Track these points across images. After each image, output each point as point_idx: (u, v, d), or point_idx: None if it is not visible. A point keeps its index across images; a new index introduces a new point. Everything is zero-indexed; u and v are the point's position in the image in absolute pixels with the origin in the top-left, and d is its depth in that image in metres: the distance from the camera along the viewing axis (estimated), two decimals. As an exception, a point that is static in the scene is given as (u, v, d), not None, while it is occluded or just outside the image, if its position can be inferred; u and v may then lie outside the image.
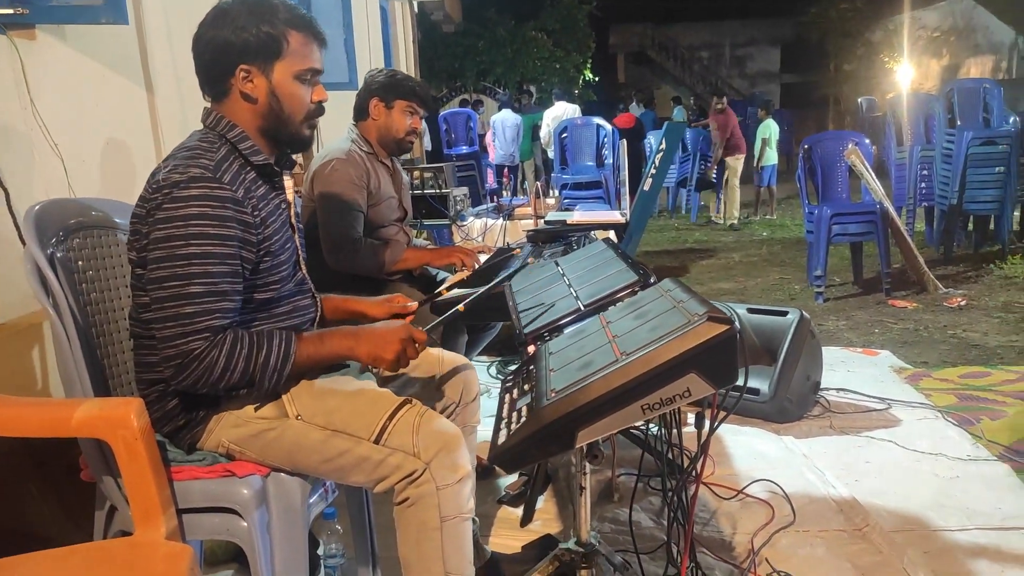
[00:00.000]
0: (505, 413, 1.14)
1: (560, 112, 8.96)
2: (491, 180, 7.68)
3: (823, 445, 2.63)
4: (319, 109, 1.46)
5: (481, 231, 3.83)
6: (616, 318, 1.25)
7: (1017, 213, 6.18)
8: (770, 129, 8.72)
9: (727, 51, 26.57)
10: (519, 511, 2.22)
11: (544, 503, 2.31)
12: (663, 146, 3.54)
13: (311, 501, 1.43)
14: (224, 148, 1.36)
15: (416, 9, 9.92)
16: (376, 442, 1.32)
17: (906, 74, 15.37)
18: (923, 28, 18.65)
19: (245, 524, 1.33)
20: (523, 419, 1.05)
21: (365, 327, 1.40)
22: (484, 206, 4.40)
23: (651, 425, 2.12)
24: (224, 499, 1.33)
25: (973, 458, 2.46)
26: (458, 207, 3.79)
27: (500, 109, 10.24)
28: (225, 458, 1.38)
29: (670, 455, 1.78)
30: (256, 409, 1.36)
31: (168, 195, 1.26)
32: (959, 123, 5.76)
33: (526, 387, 1.18)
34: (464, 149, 9.44)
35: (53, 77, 2.36)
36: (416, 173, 3.80)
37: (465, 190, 3.99)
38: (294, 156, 1.58)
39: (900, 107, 6.86)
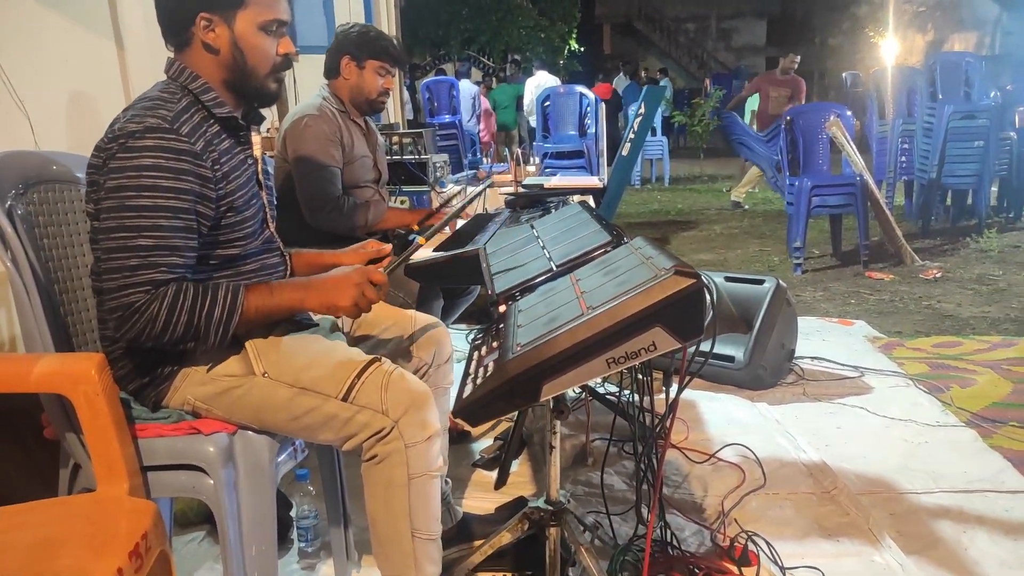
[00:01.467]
0: (472, 369, 1.13)
1: (542, 81, 8.94)
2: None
3: (796, 411, 2.66)
4: (285, 62, 1.42)
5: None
6: (586, 276, 1.24)
7: (995, 188, 6.23)
8: (756, 103, 8.69)
9: (713, 24, 26.34)
10: (494, 475, 2.23)
11: (519, 467, 2.32)
12: (642, 110, 3.51)
13: (279, 460, 1.42)
14: (186, 99, 1.32)
15: (400, -29, 9.73)
16: (344, 400, 1.30)
17: (891, 48, 15.36)
18: (908, 3, 18.60)
19: (211, 482, 1.31)
20: (489, 373, 1.04)
21: (318, 276, 1.37)
22: (464, 173, 4.36)
23: (624, 391, 2.13)
24: (190, 456, 1.32)
25: (942, 424, 2.50)
26: (437, 173, 3.75)
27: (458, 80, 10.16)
28: (191, 416, 1.36)
29: (643, 420, 1.79)
30: (221, 365, 1.34)
31: (123, 145, 1.22)
32: (940, 97, 5.77)
33: (494, 344, 1.17)
34: (447, 118, 9.33)
35: (17, 31, 2.29)
36: (395, 139, 3.75)
37: (445, 157, 3.95)
38: (263, 111, 1.54)
39: (883, 81, 6.87)
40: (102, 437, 1.22)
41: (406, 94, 9.55)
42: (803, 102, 7.21)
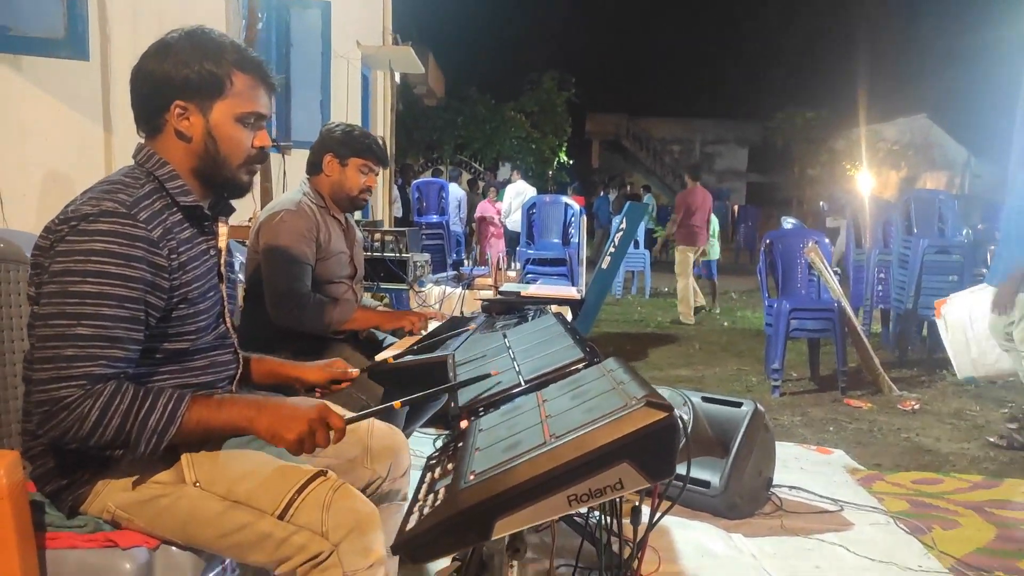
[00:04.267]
0: (422, 494, 1.02)
1: (521, 188, 9.28)
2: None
3: (773, 546, 2.52)
4: (260, 155, 1.38)
5: (439, 298, 3.75)
6: (553, 396, 1.16)
7: (970, 322, 6.29)
8: (713, 224, 8.86)
9: (697, 147, 27.60)
10: (448, 601, 2.06)
11: (476, 593, 2.15)
12: (623, 226, 3.54)
13: (205, 580, 1.28)
14: (149, 185, 1.27)
15: (399, 81, 10.13)
16: (280, 517, 1.18)
17: (866, 181, 16.03)
18: (883, 140, 19.62)
19: (123, 604, 1.17)
20: (439, 502, 0.94)
21: (274, 399, 1.28)
22: (445, 274, 4.34)
23: (593, 512, 2.01)
24: (102, 573, 1.18)
25: (925, 569, 2.37)
26: (418, 272, 3.72)
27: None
28: (110, 525, 1.23)
29: (613, 546, 1.66)
30: (150, 472, 1.22)
31: (74, 227, 1.16)
32: (915, 231, 5.92)
33: (449, 466, 1.07)
34: (434, 218, 9.47)
35: (2, 108, 2.28)
36: (377, 235, 3.74)
37: (427, 256, 3.94)
38: (235, 201, 1.50)
39: (861, 212, 7.08)
40: (1, 548, 1.08)
41: (395, 192, 9.73)
42: (694, 209, 7.56)
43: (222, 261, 1.41)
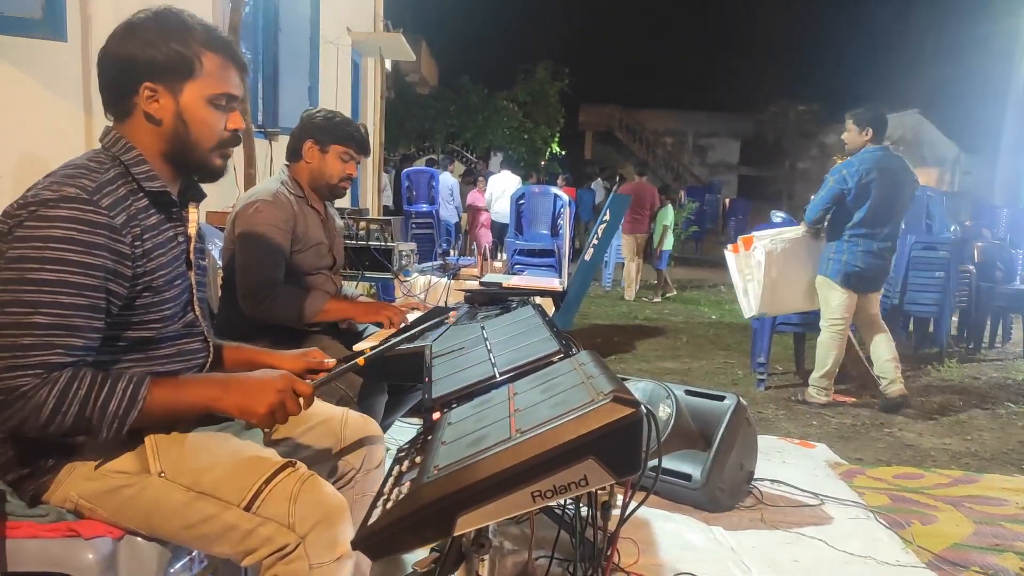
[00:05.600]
0: (388, 488, 1.01)
1: (505, 178, 9.38)
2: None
3: (752, 539, 2.52)
4: (234, 138, 1.35)
5: (424, 288, 3.73)
6: (524, 389, 1.15)
7: (955, 318, 6.32)
8: (669, 216, 9.00)
9: (690, 139, 27.57)
10: (426, 592, 2.04)
11: (453, 584, 2.14)
12: (607, 217, 3.51)
13: (171, 571, 1.26)
14: (115, 170, 1.25)
15: (390, 68, 10.06)
16: (247, 509, 1.17)
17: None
18: (874, 136, 19.64)
19: (86, 595, 1.15)
20: (403, 496, 0.92)
21: (238, 375, 1.26)
22: (431, 263, 4.32)
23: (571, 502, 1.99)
24: (64, 563, 1.16)
25: (903, 564, 2.38)
26: (403, 262, 3.70)
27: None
28: (73, 515, 1.21)
29: (591, 536, 1.65)
30: (114, 460, 1.20)
31: (33, 212, 1.13)
32: (903, 227, 5.93)
33: (417, 459, 1.06)
34: (424, 207, 9.44)
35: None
36: (362, 224, 3.71)
37: (413, 245, 3.91)
38: (207, 186, 1.47)
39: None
40: (-43, 538, 1.06)
41: (385, 180, 9.68)
42: (650, 206, 8.51)
43: (191, 248, 1.38)
